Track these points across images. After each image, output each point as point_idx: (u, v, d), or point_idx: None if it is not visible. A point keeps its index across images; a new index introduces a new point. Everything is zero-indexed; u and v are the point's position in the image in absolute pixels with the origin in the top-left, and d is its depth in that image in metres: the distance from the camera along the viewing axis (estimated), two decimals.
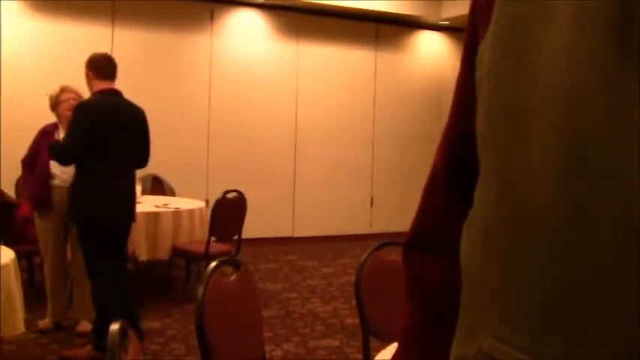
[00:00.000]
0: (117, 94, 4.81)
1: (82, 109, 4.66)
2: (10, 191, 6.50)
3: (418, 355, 1.02)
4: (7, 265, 3.54)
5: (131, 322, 4.38)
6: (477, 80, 0.83)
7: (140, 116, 4.91)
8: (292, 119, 9.55)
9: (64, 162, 4.82)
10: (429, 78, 10.59)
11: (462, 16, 9.06)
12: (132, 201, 4.90)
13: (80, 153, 4.61)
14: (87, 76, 4.81)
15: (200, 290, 2.38)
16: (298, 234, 9.61)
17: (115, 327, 1.60)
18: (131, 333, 1.73)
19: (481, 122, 0.81)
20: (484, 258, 0.78)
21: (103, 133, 4.61)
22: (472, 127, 0.84)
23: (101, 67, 4.80)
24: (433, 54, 10.64)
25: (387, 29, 10.20)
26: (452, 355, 0.86)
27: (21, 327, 3.65)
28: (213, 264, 2.49)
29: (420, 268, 1.02)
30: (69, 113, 4.86)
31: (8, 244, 4.07)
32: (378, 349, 2.37)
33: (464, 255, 0.85)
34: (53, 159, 4.82)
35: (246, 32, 9.20)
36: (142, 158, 4.98)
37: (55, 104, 5.27)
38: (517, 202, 0.72)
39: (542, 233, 0.69)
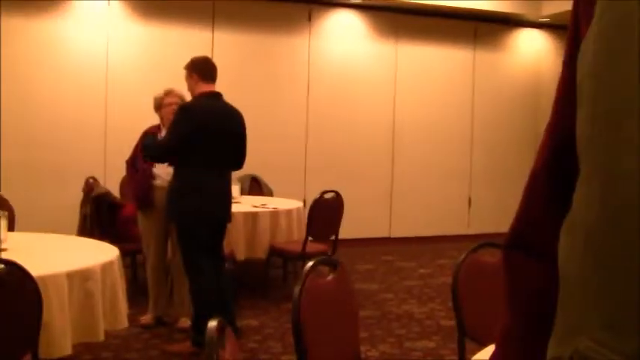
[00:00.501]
0: (218, 97, 4.88)
1: (183, 111, 4.76)
2: (115, 191, 6.70)
3: (515, 357, 1.01)
4: (111, 262, 3.66)
5: (227, 319, 4.45)
6: (577, 79, 0.81)
7: (238, 119, 4.97)
8: (390, 119, 9.52)
9: (156, 160, 4.96)
10: (529, 77, 10.35)
11: (564, 13, 8.81)
12: (228, 202, 4.97)
13: (174, 153, 4.71)
14: (189, 78, 4.89)
15: (297, 289, 2.38)
16: (395, 234, 9.57)
17: (212, 324, 1.63)
18: (229, 330, 1.75)
19: (583, 123, 0.79)
20: (584, 260, 0.77)
21: (201, 136, 4.68)
22: (574, 127, 0.83)
23: (204, 69, 4.88)
24: (533, 52, 10.40)
25: (486, 28, 10.04)
26: (548, 355, 0.85)
27: (124, 322, 3.77)
28: (310, 263, 2.50)
29: (519, 270, 1.01)
30: (171, 116, 4.93)
31: (113, 242, 4.21)
32: (474, 352, 2.34)
33: (562, 257, 0.84)
34: (145, 155, 4.94)
35: (344, 33, 9.22)
36: (239, 160, 5.03)
37: (158, 106, 5.40)
38: (617, 204, 0.71)
39: None
